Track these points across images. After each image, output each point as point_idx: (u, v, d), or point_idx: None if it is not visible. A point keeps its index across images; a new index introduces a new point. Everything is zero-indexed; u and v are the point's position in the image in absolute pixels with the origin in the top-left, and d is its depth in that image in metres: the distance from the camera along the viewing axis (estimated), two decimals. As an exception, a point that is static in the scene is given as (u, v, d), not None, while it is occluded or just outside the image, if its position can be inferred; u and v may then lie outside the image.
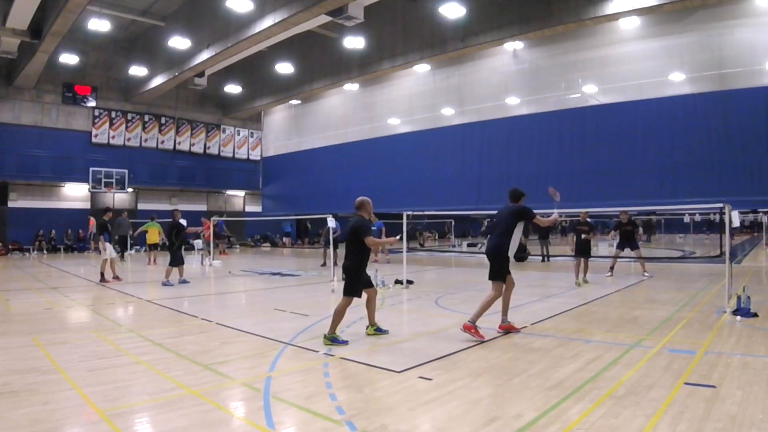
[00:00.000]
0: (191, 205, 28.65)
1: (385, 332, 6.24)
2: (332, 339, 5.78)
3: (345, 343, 5.77)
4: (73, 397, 4.05)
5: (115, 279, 12.17)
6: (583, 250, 11.41)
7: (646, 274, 12.49)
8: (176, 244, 11.89)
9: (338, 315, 5.85)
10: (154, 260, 17.50)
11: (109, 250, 12.21)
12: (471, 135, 18.74)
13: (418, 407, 3.84)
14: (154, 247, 17.80)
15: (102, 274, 12.11)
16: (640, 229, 13.34)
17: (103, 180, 24.82)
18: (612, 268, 12.78)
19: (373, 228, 6.16)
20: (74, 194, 25.49)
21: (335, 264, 13.57)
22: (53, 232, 24.33)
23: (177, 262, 11.77)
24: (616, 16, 15.33)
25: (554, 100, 17.43)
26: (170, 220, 12.56)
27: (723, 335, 6.08)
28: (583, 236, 11.37)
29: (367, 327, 6.25)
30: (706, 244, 26.69)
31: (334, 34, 21.30)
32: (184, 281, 11.85)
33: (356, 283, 5.90)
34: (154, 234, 17.59)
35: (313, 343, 5.86)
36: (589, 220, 11.86)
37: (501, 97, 19.05)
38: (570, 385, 4.26)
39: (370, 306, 6.19)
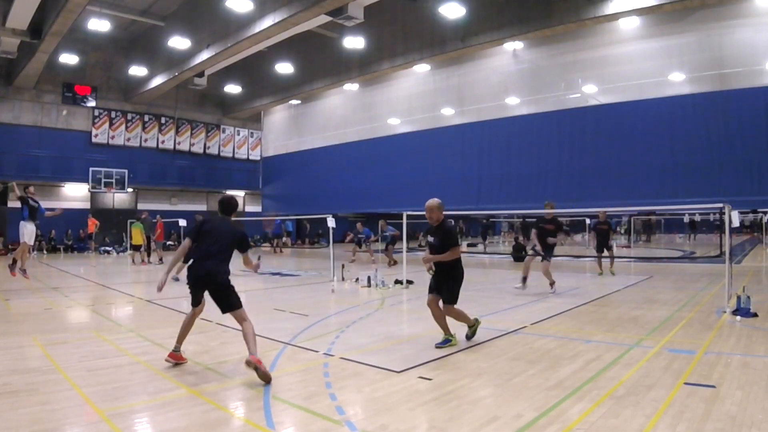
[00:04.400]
0: (191, 205, 28.64)
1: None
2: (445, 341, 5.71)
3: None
4: (73, 397, 4.05)
5: (22, 271, 10.55)
6: (602, 244, 13.05)
7: None
8: None
9: (462, 316, 5.87)
10: (143, 260, 17.45)
11: (28, 234, 10.58)
12: (471, 135, 18.73)
13: (418, 407, 3.84)
14: (137, 248, 17.55)
15: (14, 260, 10.68)
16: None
17: (103, 180, 24.80)
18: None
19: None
20: (74, 194, 25.47)
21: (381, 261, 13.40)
22: (53, 232, 24.29)
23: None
24: (616, 16, 15.32)
25: (554, 100, 17.41)
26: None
27: (723, 335, 6.08)
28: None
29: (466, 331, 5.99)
30: (705, 244, 26.68)
31: (334, 34, 21.28)
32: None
33: (457, 289, 5.75)
34: (138, 234, 17.38)
35: (313, 343, 5.86)
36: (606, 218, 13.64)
37: (501, 97, 19.04)
38: (570, 385, 4.26)
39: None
